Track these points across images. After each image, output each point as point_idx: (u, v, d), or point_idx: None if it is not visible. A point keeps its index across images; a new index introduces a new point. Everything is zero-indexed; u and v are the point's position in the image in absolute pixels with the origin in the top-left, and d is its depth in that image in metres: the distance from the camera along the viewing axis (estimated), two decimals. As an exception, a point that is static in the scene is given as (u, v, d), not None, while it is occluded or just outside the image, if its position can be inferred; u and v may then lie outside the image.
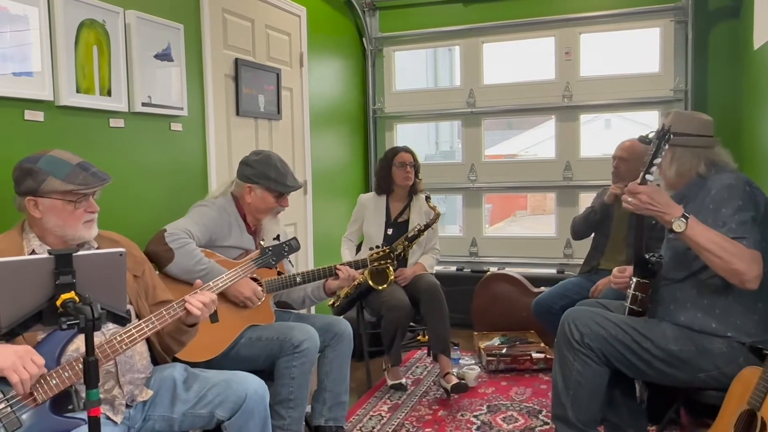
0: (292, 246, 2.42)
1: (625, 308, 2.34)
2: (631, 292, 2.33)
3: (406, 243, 3.21)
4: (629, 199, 2.10)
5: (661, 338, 2.17)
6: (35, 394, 1.55)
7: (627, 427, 2.43)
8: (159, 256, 2.36)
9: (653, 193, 2.04)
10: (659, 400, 2.76)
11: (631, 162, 3.37)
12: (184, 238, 2.40)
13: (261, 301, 2.55)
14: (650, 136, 2.12)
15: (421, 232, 3.31)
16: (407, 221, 3.70)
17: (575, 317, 2.28)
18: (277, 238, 2.50)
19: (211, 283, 2.02)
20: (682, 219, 2.01)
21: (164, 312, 1.80)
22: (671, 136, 2.06)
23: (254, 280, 2.54)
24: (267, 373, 2.47)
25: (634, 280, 2.32)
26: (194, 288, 1.96)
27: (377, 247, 2.98)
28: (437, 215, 3.50)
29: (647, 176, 2.06)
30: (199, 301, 1.87)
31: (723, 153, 2.28)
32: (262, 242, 2.43)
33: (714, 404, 2.07)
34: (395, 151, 3.76)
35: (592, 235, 3.60)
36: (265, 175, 2.59)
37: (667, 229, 2.09)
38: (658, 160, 2.06)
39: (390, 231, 3.67)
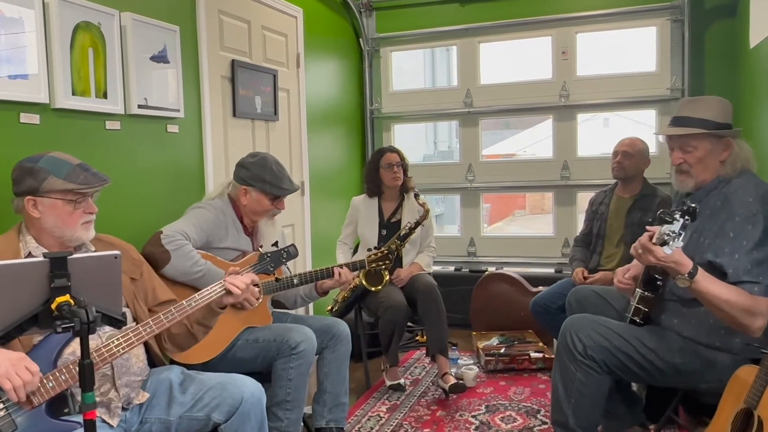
0: (291, 253, 2.43)
1: (626, 318, 2.32)
2: (634, 304, 2.29)
3: (398, 242, 3.21)
4: (640, 251, 2.00)
5: (665, 351, 2.14)
6: (31, 396, 1.55)
7: (623, 415, 2.43)
8: (155, 258, 2.36)
9: (666, 257, 1.93)
10: (658, 399, 2.76)
11: (635, 157, 3.40)
12: (181, 240, 2.40)
13: (258, 302, 2.54)
14: (676, 215, 1.91)
15: (411, 230, 3.30)
16: (401, 221, 3.69)
17: (577, 328, 2.24)
18: (276, 244, 2.50)
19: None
20: (688, 277, 1.93)
21: (161, 316, 1.80)
22: (696, 214, 1.92)
23: (251, 281, 2.53)
24: (264, 375, 2.48)
25: (638, 292, 2.28)
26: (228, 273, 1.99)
27: (375, 248, 2.97)
28: (427, 212, 3.50)
29: (666, 248, 1.91)
30: (241, 281, 1.91)
31: (745, 146, 2.19)
32: (260, 248, 2.43)
33: (712, 403, 2.07)
34: (381, 152, 3.76)
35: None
36: (260, 178, 2.58)
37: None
38: (680, 243, 1.91)
39: (384, 231, 3.67)
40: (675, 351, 2.13)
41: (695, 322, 2.14)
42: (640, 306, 2.27)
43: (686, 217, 1.90)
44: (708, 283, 1.94)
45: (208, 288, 1.91)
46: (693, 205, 1.91)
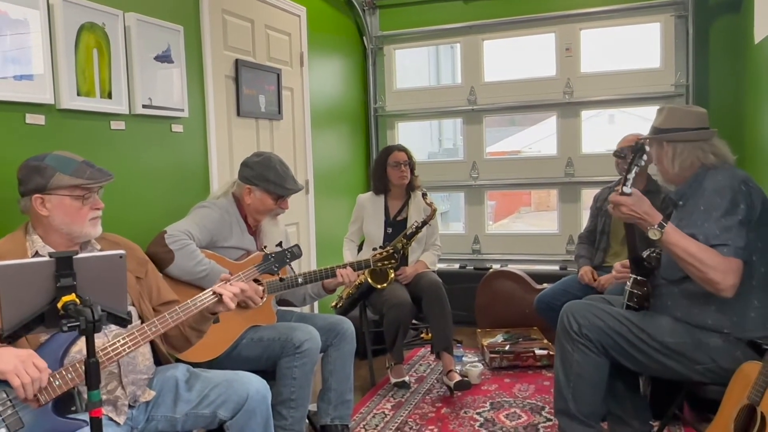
0: (294, 253, 2.44)
1: (623, 305, 2.36)
2: (628, 289, 2.37)
3: (405, 241, 3.22)
4: (612, 209, 2.18)
5: (657, 330, 2.20)
6: (38, 394, 1.56)
7: (631, 419, 2.44)
8: (159, 258, 2.37)
9: (634, 204, 2.11)
10: (662, 395, 2.76)
11: None
12: (184, 240, 2.41)
13: (263, 301, 2.56)
14: (627, 151, 2.20)
15: (418, 229, 3.32)
16: (406, 219, 3.70)
17: (574, 310, 2.33)
18: (280, 244, 2.51)
19: (241, 274, 2.06)
20: (658, 228, 2.07)
21: (167, 315, 1.81)
22: (645, 151, 2.13)
23: (255, 280, 2.55)
24: (269, 374, 2.48)
25: (631, 277, 2.36)
26: (219, 281, 1.98)
27: (380, 247, 2.98)
28: (434, 211, 3.52)
29: (624, 188, 2.12)
30: (230, 291, 1.91)
31: (721, 145, 2.27)
32: (264, 248, 2.44)
33: (716, 399, 2.07)
34: (389, 150, 3.76)
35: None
36: (264, 177, 2.59)
37: None
38: (632, 175, 2.12)
39: (390, 230, 3.68)
40: (666, 330, 2.19)
41: (687, 302, 2.19)
42: (633, 290, 2.35)
43: (636, 151, 2.12)
44: (678, 236, 2.07)
45: (202, 294, 1.90)
46: (642, 142, 2.16)
